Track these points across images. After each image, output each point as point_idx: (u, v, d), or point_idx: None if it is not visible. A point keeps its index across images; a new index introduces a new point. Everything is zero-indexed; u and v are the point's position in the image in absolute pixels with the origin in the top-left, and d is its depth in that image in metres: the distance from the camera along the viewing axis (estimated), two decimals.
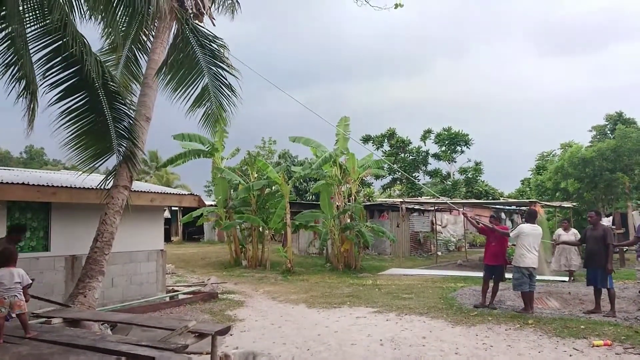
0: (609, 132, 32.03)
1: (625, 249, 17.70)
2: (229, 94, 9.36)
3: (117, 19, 8.90)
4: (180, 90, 9.34)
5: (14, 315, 5.13)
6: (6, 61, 7.16)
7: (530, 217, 9.70)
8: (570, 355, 6.48)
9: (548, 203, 19.33)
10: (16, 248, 7.34)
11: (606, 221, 16.45)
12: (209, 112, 9.29)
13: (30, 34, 7.36)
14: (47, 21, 7.28)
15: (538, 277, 11.27)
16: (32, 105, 7.40)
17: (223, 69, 9.39)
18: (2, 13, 6.94)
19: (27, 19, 7.25)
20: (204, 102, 9.32)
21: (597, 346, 6.79)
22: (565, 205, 19.35)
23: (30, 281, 5.55)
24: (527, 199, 22.03)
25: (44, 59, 7.70)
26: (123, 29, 9.28)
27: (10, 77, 7.22)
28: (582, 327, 7.85)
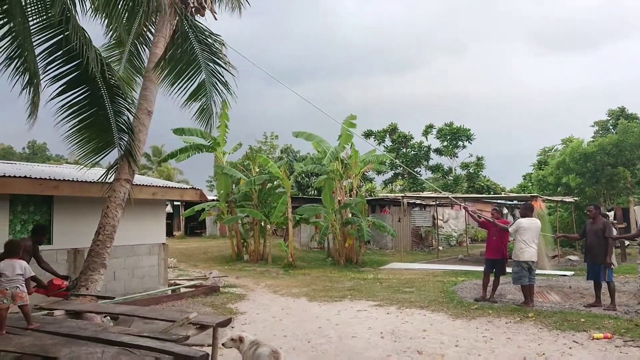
0: (611, 127, 31.95)
1: (627, 244, 17.69)
2: (225, 91, 9.36)
3: (119, 13, 8.91)
4: (178, 85, 9.33)
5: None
6: (9, 54, 7.17)
7: (527, 211, 9.69)
8: (570, 348, 6.50)
9: (550, 198, 19.29)
10: (38, 246, 7.48)
11: (610, 216, 16.42)
12: (204, 107, 9.29)
13: (31, 27, 7.37)
14: (49, 14, 7.29)
15: (539, 271, 11.31)
16: (34, 98, 7.43)
17: (220, 65, 9.38)
18: (5, 7, 6.94)
19: (29, 12, 7.26)
20: (199, 97, 9.31)
21: (597, 339, 6.80)
22: (567, 200, 19.34)
23: (33, 273, 5.60)
24: (529, 193, 21.99)
25: (46, 52, 7.70)
26: (125, 22, 9.28)
27: (14, 70, 7.23)
28: (582, 320, 7.86)
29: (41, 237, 7.68)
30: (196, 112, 9.31)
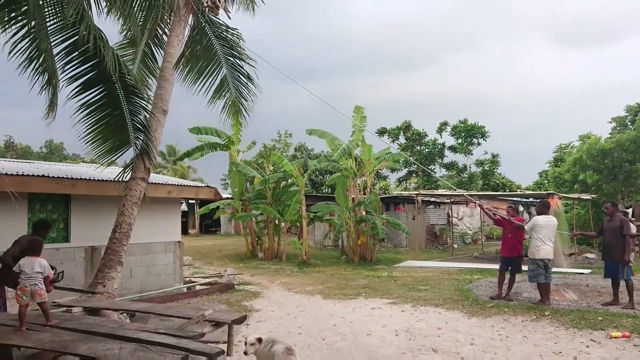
0: (629, 123, 31.48)
1: None
2: (248, 83, 9.42)
3: (134, 12, 8.98)
4: (200, 83, 9.41)
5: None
6: (29, 55, 7.27)
7: (544, 208, 9.60)
8: (588, 347, 6.43)
9: (566, 195, 19.07)
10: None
11: (628, 213, 16.18)
12: (229, 102, 9.34)
13: (49, 28, 7.46)
14: (65, 15, 7.37)
15: (556, 269, 11.19)
16: (53, 98, 7.53)
17: (240, 59, 9.43)
18: (24, 9, 7.03)
19: (47, 13, 7.35)
20: (223, 93, 9.39)
21: (615, 338, 6.73)
22: (584, 198, 19.12)
23: (52, 271, 5.67)
24: (545, 191, 21.77)
25: (63, 52, 7.82)
26: (140, 22, 9.35)
27: (33, 70, 7.34)
28: (599, 318, 7.78)
29: (43, 232, 7.70)
30: (222, 108, 9.38)
